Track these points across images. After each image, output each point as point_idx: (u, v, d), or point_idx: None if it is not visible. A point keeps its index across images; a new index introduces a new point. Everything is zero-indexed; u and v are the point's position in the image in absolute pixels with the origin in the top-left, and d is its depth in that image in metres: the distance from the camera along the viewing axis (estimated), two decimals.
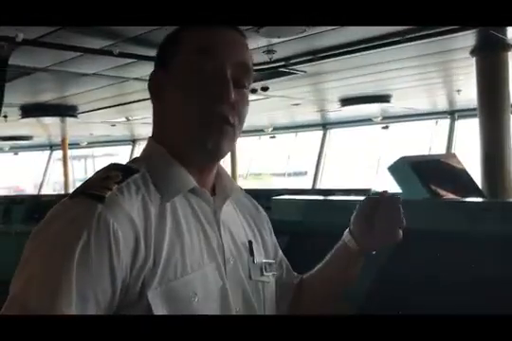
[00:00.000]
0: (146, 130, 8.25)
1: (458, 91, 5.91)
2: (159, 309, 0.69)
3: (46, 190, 11.35)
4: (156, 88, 0.82)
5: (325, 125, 9.01)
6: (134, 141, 10.79)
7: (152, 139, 0.84)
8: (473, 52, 3.83)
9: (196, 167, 0.81)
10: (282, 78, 4.55)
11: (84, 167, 19.38)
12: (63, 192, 9.99)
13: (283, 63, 4.12)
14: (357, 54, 3.78)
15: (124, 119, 7.37)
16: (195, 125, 0.77)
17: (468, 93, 4.87)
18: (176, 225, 0.75)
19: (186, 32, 0.81)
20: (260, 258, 0.88)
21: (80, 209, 0.68)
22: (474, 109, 3.97)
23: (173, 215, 0.76)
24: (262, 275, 0.87)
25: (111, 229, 0.67)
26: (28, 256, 0.67)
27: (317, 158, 9.10)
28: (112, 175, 0.74)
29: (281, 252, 1.02)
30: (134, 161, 0.82)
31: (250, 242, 0.88)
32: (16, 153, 11.99)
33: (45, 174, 11.43)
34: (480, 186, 3.65)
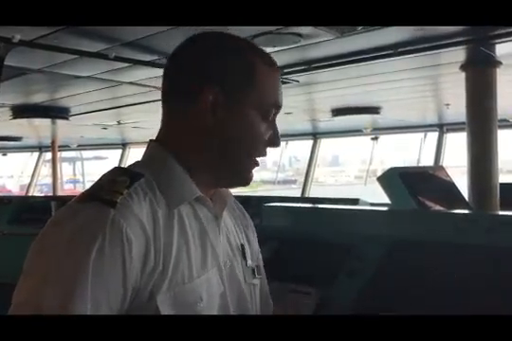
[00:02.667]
0: (137, 134, 8.24)
1: (447, 105, 6.00)
2: (167, 314, 0.69)
3: (34, 192, 11.25)
4: (211, 107, 0.78)
5: (316, 134, 9.07)
6: (124, 145, 10.75)
7: (157, 144, 0.82)
8: (463, 67, 3.90)
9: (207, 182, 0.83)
10: None
11: (73, 169, 19.26)
12: (50, 194, 9.91)
13: None
14: (350, 65, 3.82)
15: (116, 123, 7.35)
16: (240, 159, 0.81)
17: (457, 107, 4.95)
18: (183, 231, 0.76)
19: (259, 64, 0.81)
20: (251, 261, 0.90)
21: (92, 213, 0.68)
22: (463, 123, 4.04)
23: (180, 221, 0.76)
24: (254, 277, 0.90)
25: (124, 234, 0.67)
26: (37, 259, 0.66)
27: (307, 167, 9.14)
28: (120, 180, 0.73)
29: (261, 258, 1.02)
30: (135, 165, 0.81)
31: (243, 246, 0.90)
32: (5, 154, 11.86)
33: (33, 176, 11.33)
34: (466, 198, 3.71)
